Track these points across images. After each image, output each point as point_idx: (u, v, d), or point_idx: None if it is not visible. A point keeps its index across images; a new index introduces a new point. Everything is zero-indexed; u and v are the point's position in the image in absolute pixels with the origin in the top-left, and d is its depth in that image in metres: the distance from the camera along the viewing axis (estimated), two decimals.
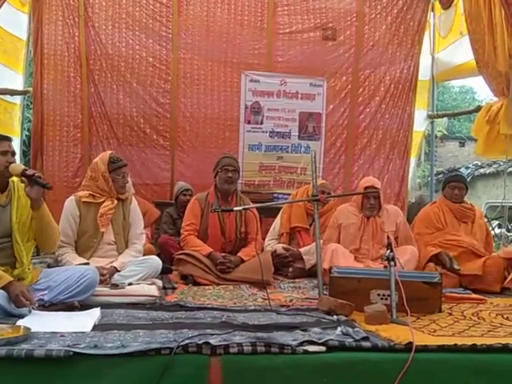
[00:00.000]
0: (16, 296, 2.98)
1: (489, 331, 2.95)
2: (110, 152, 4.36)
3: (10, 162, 3.24)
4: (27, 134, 7.44)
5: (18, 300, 2.98)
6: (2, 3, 4.95)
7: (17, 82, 6.59)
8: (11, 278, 3.08)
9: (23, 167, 3.25)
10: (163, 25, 6.73)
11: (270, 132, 6.87)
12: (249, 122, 6.84)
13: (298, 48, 7.00)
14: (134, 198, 4.42)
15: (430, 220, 5.02)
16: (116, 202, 4.17)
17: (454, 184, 5.01)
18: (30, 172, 3.20)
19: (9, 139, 3.38)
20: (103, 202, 4.13)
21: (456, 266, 4.62)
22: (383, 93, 7.23)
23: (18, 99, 6.71)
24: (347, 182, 7.17)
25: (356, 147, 7.25)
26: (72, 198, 4.18)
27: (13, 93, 6.52)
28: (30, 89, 6.67)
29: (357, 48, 7.12)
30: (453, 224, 4.93)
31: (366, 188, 4.62)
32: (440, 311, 3.46)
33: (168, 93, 6.80)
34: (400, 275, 3.27)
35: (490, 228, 5.35)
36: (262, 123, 6.86)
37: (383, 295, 3.37)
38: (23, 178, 3.19)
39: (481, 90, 23.13)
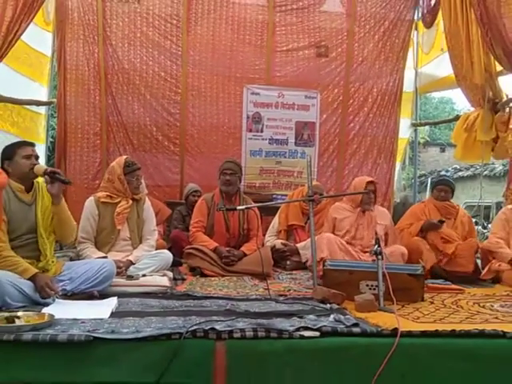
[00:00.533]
0: (41, 287, 2.98)
1: (466, 318, 2.95)
2: (125, 157, 4.35)
3: (34, 165, 3.24)
4: (51, 140, 7.45)
5: (43, 290, 2.98)
6: (28, 24, 4.96)
7: (41, 93, 6.59)
8: (37, 270, 3.08)
9: (45, 167, 3.26)
10: (173, 43, 6.75)
11: (270, 139, 6.87)
12: (250, 131, 6.84)
13: (295, 64, 7.02)
14: (147, 199, 4.41)
15: (415, 214, 5.07)
16: (131, 202, 4.16)
17: (441, 187, 5.05)
18: (51, 171, 3.21)
19: (32, 144, 3.39)
20: (119, 202, 4.12)
21: (442, 219, 4.82)
22: (371, 104, 7.23)
23: (42, 109, 6.71)
24: (339, 184, 7.18)
25: (346, 153, 7.26)
26: (91, 198, 4.17)
27: (39, 103, 6.52)
28: (55, 100, 6.70)
29: (347, 63, 7.12)
30: (436, 218, 4.93)
31: (368, 182, 4.69)
32: (422, 300, 3.45)
33: (178, 104, 6.81)
34: (387, 268, 3.27)
35: None
36: (262, 131, 6.86)
37: (371, 286, 3.37)
38: (46, 177, 3.20)
39: (459, 101, 23.07)
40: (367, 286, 3.40)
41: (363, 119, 7.22)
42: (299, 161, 6.91)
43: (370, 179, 4.79)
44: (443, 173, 15.82)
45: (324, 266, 3.58)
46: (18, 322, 2.46)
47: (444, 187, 5.03)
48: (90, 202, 4.14)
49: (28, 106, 6.26)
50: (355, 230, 4.64)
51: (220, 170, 4.88)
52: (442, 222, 4.79)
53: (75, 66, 6.55)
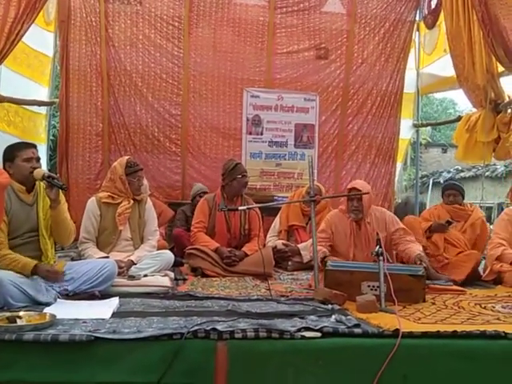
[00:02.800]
0: (46, 275, 3.04)
1: (468, 319, 2.94)
2: (127, 157, 4.36)
3: (34, 168, 3.23)
4: (52, 138, 7.44)
5: (49, 276, 3.01)
6: (30, 25, 4.96)
7: (40, 93, 6.56)
8: (35, 262, 3.11)
9: (44, 172, 3.24)
10: (175, 45, 6.75)
11: (269, 142, 6.88)
12: (250, 133, 6.85)
13: (294, 66, 7.02)
14: (149, 199, 4.41)
15: (425, 217, 5.08)
16: (132, 202, 4.16)
17: (449, 192, 5.05)
18: (48, 176, 3.20)
19: (33, 146, 3.37)
20: (121, 202, 4.12)
21: (450, 219, 4.78)
22: (370, 105, 7.23)
23: (43, 109, 6.70)
24: (337, 185, 7.17)
25: (345, 154, 7.25)
26: (93, 198, 4.18)
27: (41, 104, 6.54)
28: (56, 100, 6.69)
29: (347, 65, 7.12)
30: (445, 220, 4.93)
31: (349, 190, 4.23)
32: (424, 301, 3.43)
33: (179, 105, 6.81)
34: (388, 269, 3.26)
35: None
36: (261, 134, 6.87)
37: (373, 286, 3.35)
38: (44, 181, 3.20)
39: (461, 102, 23.08)
40: (368, 286, 3.38)
41: (362, 120, 7.22)
42: (299, 163, 6.93)
43: (352, 186, 4.23)
44: (445, 174, 15.80)
45: (325, 266, 3.57)
46: (19, 322, 2.46)
47: (452, 191, 5.04)
48: (91, 202, 4.14)
49: (27, 106, 6.24)
50: (353, 250, 4.15)
51: (237, 173, 4.81)
52: (449, 223, 4.77)
53: (78, 67, 6.54)
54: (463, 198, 5.07)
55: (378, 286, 3.25)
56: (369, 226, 4.18)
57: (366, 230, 4.17)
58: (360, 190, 4.13)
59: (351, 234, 4.20)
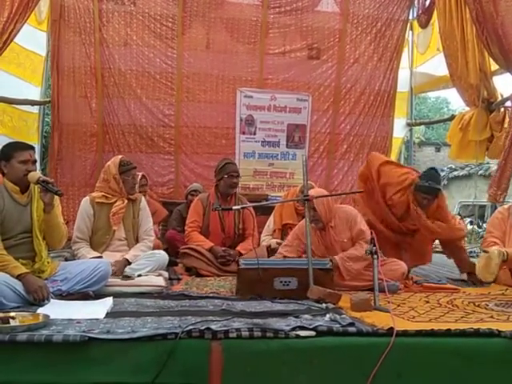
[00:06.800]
0: (35, 290, 2.96)
1: (462, 317, 2.94)
2: (120, 156, 4.35)
3: (29, 171, 3.20)
4: (45, 135, 7.39)
5: (36, 292, 2.95)
6: (23, 24, 4.94)
7: (31, 92, 6.52)
8: (27, 271, 3.05)
9: (39, 175, 3.20)
10: (169, 46, 6.77)
11: (262, 141, 6.89)
12: (243, 133, 6.85)
13: (286, 66, 7.06)
14: (143, 198, 4.39)
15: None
16: (126, 201, 4.14)
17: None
18: (43, 180, 3.16)
19: (31, 148, 3.34)
20: (115, 202, 4.11)
21: None
22: (363, 104, 7.26)
23: (35, 108, 6.67)
24: (328, 183, 7.19)
25: (337, 153, 7.31)
26: (87, 198, 4.16)
27: (34, 103, 6.50)
28: (50, 99, 6.66)
29: (339, 65, 7.15)
30: None
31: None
32: None
33: (173, 105, 6.84)
34: (296, 263, 3.43)
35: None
36: (255, 134, 6.87)
37: (285, 282, 3.39)
38: (38, 185, 3.17)
39: (454, 101, 23.12)
40: (281, 282, 3.40)
41: (355, 120, 7.26)
42: (291, 162, 6.95)
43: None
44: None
45: (238, 265, 3.57)
46: (12, 323, 2.44)
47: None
48: (85, 202, 4.13)
49: (15, 105, 6.17)
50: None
51: (225, 172, 4.79)
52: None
53: (72, 68, 6.55)
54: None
55: (289, 281, 3.35)
56: (331, 230, 4.03)
57: (330, 234, 4.03)
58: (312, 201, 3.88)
59: (319, 242, 4.06)
